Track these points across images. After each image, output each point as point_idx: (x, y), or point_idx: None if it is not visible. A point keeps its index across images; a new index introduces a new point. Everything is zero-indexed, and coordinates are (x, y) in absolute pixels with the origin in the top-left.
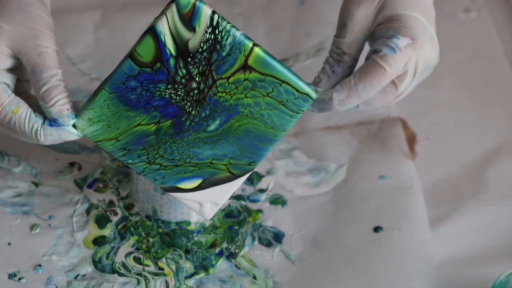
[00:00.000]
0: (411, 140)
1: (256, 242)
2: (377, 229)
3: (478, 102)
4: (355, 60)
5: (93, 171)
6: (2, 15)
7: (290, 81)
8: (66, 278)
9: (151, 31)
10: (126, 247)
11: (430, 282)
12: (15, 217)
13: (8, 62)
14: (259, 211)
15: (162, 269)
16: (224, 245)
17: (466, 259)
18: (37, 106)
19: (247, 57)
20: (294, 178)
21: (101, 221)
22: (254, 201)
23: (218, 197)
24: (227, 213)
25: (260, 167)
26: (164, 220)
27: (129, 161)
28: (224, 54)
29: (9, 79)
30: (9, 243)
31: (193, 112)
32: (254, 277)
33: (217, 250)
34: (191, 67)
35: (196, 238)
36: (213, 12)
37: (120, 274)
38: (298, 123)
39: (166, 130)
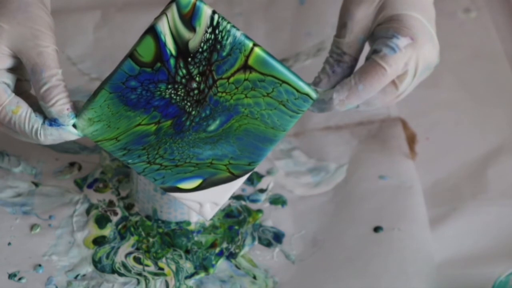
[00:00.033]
0: (411, 140)
1: (256, 242)
2: (377, 229)
3: (478, 102)
4: (355, 60)
5: (93, 171)
6: (2, 15)
7: (290, 81)
8: (66, 278)
9: (152, 31)
10: (126, 247)
11: (430, 282)
12: (15, 217)
13: (8, 62)
14: (259, 211)
15: (162, 269)
16: (224, 245)
17: (466, 259)
18: (37, 106)
19: (247, 57)
20: (294, 178)
21: (101, 221)
22: (254, 201)
23: (218, 197)
24: (227, 213)
25: (260, 167)
26: (164, 220)
27: (129, 161)
28: (224, 54)
29: (9, 79)
30: (9, 243)
31: (193, 112)
32: (254, 277)
33: (217, 250)
34: (191, 67)
35: (196, 238)
36: (213, 12)
37: (120, 274)
38: (298, 123)
39: (166, 130)
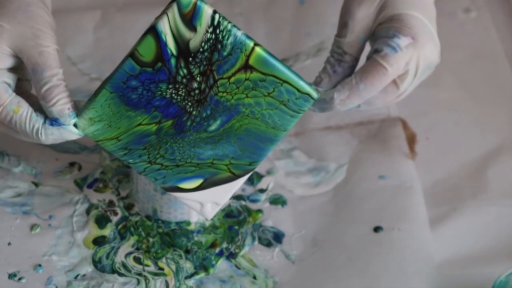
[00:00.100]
0: (411, 140)
1: (256, 242)
2: (377, 229)
3: (478, 102)
4: (356, 59)
5: (93, 171)
6: (3, 15)
7: (291, 81)
8: (66, 278)
9: (152, 30)
10: (126, 247)
11: (430, 282)
12: (15, 217)
13: (9, 62)
14: (259, 211)
15: (162, 269)
16: (224, 245)
17: (466, 259)
18: (38, 106)
19: (248, 56)
20: (294, 178)
21: (101, 221)
22: (254, 201)
23: (219, 197)
24: (227, 213)
25: (260, 167)
26: (164, 220)
27: (130, 160)
28: (225, 53)
29: (10, 78)
30: (9, 243)
31: (194, 112)
32: (254, 277)
33: (217, 250)
34: (192, 67)
35: (196, 238)
36: (214, 12)
37: (120, 274)
38: (298, 123)
39: (167, 130)
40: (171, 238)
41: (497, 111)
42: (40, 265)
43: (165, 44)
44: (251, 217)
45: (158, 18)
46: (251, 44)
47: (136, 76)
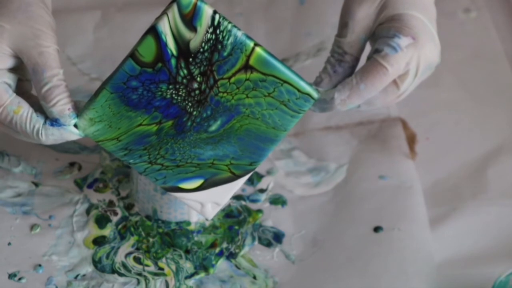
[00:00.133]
0: (411, 140)
1: (256, 242)
2: (377, 229)
3: (478, 102)
4: (357, 59)
5: (93, 171)
6: (3, 15)
7: (292, 81)
8: (66, 278)
9: (152, 31)
10: (126, 247)
11: (430, 282)
12: (15, 217)
13: (10, 62)
14: (259, 211)
15: (162, 269)
16: (224, 245)
17: (466, 259)
18: (38, 106)
19: (249, 57)
20: (294, 178)
21: (101, 221)
22: (254, 201)
23: (220, 197)
24: (227, 213)
25: (260, 167)
26: (164, 220)
27: (131, 161)
28: (225, 54)
29: (10, 79)
30: (9, 243)
31: (195, 113)
32: (254, 277)
33: (217, 250)
34: (192, 67)
35: (196, 238)
36: (214, 12)
37: (120, 274)
38: (298, 123)
39: (167, 130)
40: (171, 238)
41: (497, 111)
42: (40, 265)
43: (165, 45)
44: (251, 217)
45: (158, 18)
46: (251, 44)
47: (137, 77)
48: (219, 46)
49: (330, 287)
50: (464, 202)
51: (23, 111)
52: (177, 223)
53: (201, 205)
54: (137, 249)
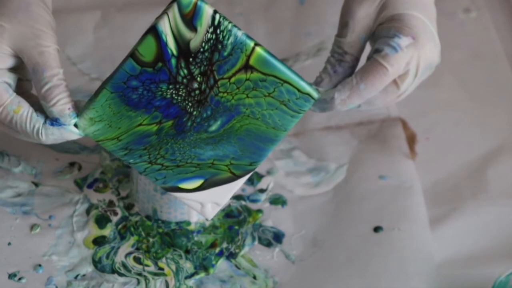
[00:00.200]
0: (411, 140)
1: (256, 242)
2: (377, 229)
3: (478, 102)
4: (357, 59)
5: (93, 171)
6: (3, 14)
7: (292, 81)
8: (66, 278)
9: (153, 30)
10: (126, 247)
11: (430, 282)
12: (15, 217)
13: (10, 62)
14: (259, 211)
15: (162, 269)
16: (224, 245)
17: (466, 259)
18: (38, 106)
19: (249, 57)
20: (294, 178)
21: (101, 221)
22: (254, 201)
23: (220, 197)
24: (227, 213)
25: (260, 167)
26: (164, 220)
27: (131, 160)
28: (225, 54)
29: (10, 78)
30: (9, 243)
31: (195, 113)
32: (254, 277)
33: (217, 250)
34: (192, 67)
35: (196, 238)
36: (215, 12)
37: (120, 274)
38: (298, 123)
39: (167, 130)
40: (171, 238)
41: (497, 111)
42: (40, 265)
43: (166, 44)
44: (251, 217)
45: (159, 18)
46: (252, 44)
47: (137, 76)
48: (220, 46)
49: (330, 287)
50: (464, 202)
51: (23, 110)
52: (177, 223)
53: (201, 205)
54: (137, 249)
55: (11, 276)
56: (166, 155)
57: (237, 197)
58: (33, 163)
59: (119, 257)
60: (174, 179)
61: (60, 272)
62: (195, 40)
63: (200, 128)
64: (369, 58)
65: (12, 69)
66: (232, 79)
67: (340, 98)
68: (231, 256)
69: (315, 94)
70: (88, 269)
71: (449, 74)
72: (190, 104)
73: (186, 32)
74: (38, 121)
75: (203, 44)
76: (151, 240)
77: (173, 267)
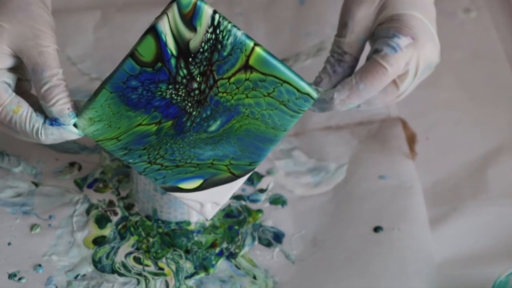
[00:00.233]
0: (411, 140)
1: (256, 242)
2: (377, 229)
3: (478, 102)
4: (356, 59)
5: (93, 171)
6: (2, 14)
7: (291, 81)
8: (66, 278)
9: (152, 30)
10: (126, 247)
11: (430, 282)
12: (15, 217)
13: (9, 62)
14: (259, 211)
15: (162, 269)
16: (224, 245)
17: (466, 259)
18: (38, 106)
19: (248, 57)
20: (294, 178)
21: (101, 221)
22: (254, 201)
23: (219, 197)
24: (227, 213)
25: (260, 167)
26: (164, 220)
27: (130, 160)
28: (225, 54)
29: (10, 78)
30: (9, 243)
31: (194, 113)
32: (254, 277)
33: (217, 250)
34: (192, 67)
35: (196, 238)
36: (214, 12)
37: (120, 274)
38: (298, 123)
39: (167, 130)
40: (171, 238)
41: (497, 111)
42: (40, 265)
43: (165, 44)
44: (251, 217)
45: (158, 18)
46: (251, 44)
47: (136, 76)
48: (219, 46)
49: (330, 287)
50: (464, 202)
51: (23, 110)
52: (177, 223)
53: (200, 205)
54: (137, 249)
55: (11, 276)
56: (165, 155)
57: (237, 197)
58: (33, 163)
59: (119, 257)
60: (174, 179)
61: (60, 272)
62: (195, 40)
63: (200, 128)
64: (368, 58)
65: (12, 69)
66: (232, 79)
67: (339, 98)
68: (231, 256)
69: (314, 94)
70: (88, 269)
71: (449, 74)
72: (189, 104)
73: (186, 32)
74: (37, 121)
75: (203, 44)
76: (151, 240)
77: (173, 267)
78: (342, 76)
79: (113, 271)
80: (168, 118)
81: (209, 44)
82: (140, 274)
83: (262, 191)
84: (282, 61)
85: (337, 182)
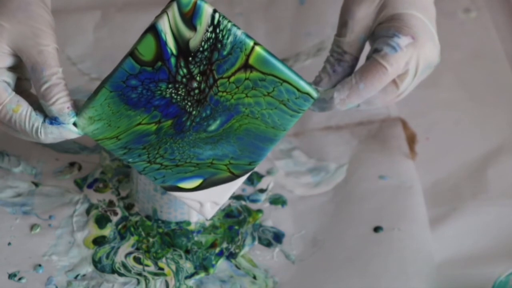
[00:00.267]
0: (411, 140)
1: (256, 242)
2: (377, 229)
3: (478, 102)
4: (356, 59)
5: (93, 171)
6: (2, 14)
7: (291, 80)
8: (66, 278)
9: (152, 29)
10: (126, 247)
11: (430, 282)
12: (15, 217)
13: (9, 61)
14: (259, 211)
15: (162, 269)
16: (224, 245)
17: (466, 259)
18: (37, 105)
19: (248, 56)
20: (294, 178)
21: (101, 221)
22: (254, 201)
23: (219, 197)
24: (227, 213)
25: (260, 167)
26: (164, 220)
27: (130, 160)
28: (225, 53)
29: (9, 77)
30: (9, 243)
31: (194, 112)
32: (254, 277)
33: (217, 250)
34: (192, 66)
35: (196, 238)
36: (214, 11)
37: (120, 274)
38: (298, 122)
39: (166, 130)
40: (171, 238)
41: (497, 111)
42: (40, 265)
43: (165, 43)
44: (251, 217)
45: (158, 17)
46: (251, 43)
47: (136, 75)
48: (219, 45)
49: (330, 287)
50: (464, 202)
51: (22, 109)
52: (177, 223)
53: (200, 205)
54: (137, 249)
55: (11, 276)
56: (165, 154)
57: (237, 197)
58: (33, 163)
59: (119, 257)
60: (173, 178)
61: (60, 272)
62: (195, 39)
63: (199, 128)
64: (368, 57)
65: (11, 68)
66: (232, 79)
67: (339, 98)
68: (231, 256)
69: (314, 94)
70: (88, 269)
71: (449, 74)
72: (189, 103)
73: (186, 31)
74: (37, 120)
75: (203, 43)
76: (151, 240)
77: (173, 267)
78: (342, 75)
79: (113, 271)
80: (168, 117)
81: (209, 43)
82: (140, 274)
83: (262, 191)
84: (282, 61)
85: (337, 182)
